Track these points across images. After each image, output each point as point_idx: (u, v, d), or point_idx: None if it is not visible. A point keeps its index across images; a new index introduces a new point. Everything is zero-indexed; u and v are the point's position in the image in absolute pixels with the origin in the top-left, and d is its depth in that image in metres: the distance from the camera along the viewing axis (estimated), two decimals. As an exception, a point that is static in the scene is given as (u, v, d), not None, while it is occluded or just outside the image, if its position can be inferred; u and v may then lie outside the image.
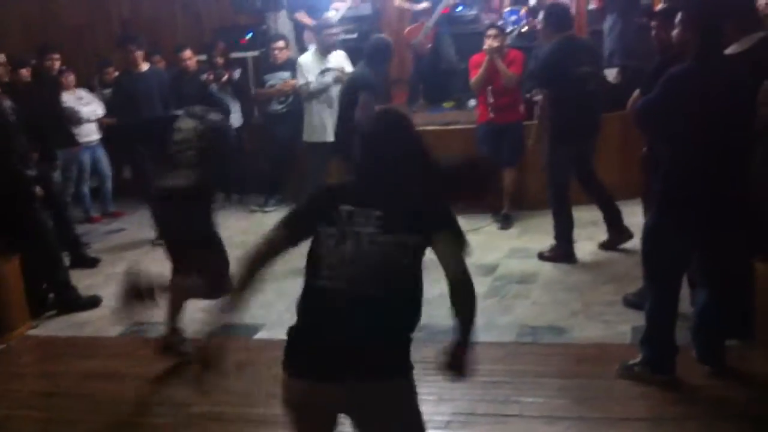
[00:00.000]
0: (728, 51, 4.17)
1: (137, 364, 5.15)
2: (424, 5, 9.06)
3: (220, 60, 8.72)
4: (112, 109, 8.42)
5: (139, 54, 7.69)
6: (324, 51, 7.59)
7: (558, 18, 6.15)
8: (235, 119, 8.67)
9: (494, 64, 7.09)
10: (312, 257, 2.58)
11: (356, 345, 2.44)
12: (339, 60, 7.57)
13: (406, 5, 9.28)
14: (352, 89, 6.45)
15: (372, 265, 2.48)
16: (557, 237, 6.21)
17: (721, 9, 4.14)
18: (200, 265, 4.71)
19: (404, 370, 2.56)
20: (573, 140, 6.05)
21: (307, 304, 2.55)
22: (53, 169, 7.12)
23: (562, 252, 6.15)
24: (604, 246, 6.36)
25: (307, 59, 7.72)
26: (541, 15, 6.95)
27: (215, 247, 4.86)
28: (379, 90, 6.60)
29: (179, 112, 5.00)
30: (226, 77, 8.48)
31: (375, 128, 2.74)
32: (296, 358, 2.53)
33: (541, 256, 6.25)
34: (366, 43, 7.28)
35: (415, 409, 2.62)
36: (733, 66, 4.03)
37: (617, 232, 6.24)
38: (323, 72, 7.58)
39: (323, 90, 7.55)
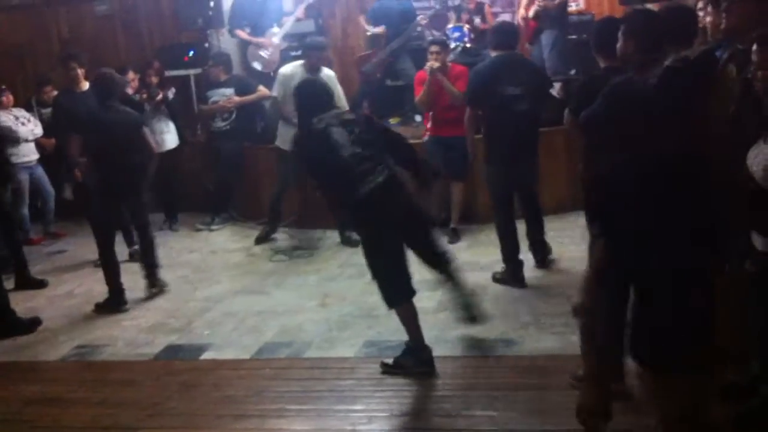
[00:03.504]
0: (668, 63, 4.22)
1: (79, 388, 5.03)
2: (380, 29, 9.04)
3: (153, 79, 8.59)
4: (52, 128, 8.24)
5: (81, 72, 7.55)
6: (311, 70, 7.43)
7: (498, 35, 6.14)
8: (171, 140, 8.56)
9: (438, 82, 7.10)
10: None
11: None
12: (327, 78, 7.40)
13: (365, 25, 9.26)
14: None
15: None
16: (504, 259, 6.13)
17: (660, 23, 4.21)
18: None
19: None
20: (501, 160, 5.98)
21: None
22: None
23: (509, 275, 6.08)
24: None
25: (288, 71, 7.57)
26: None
27: None
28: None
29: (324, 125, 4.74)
30: (160, 96, 8.35)
31: None
32: None
33: (494, 278, 6.19)
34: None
35: None
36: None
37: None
38: None
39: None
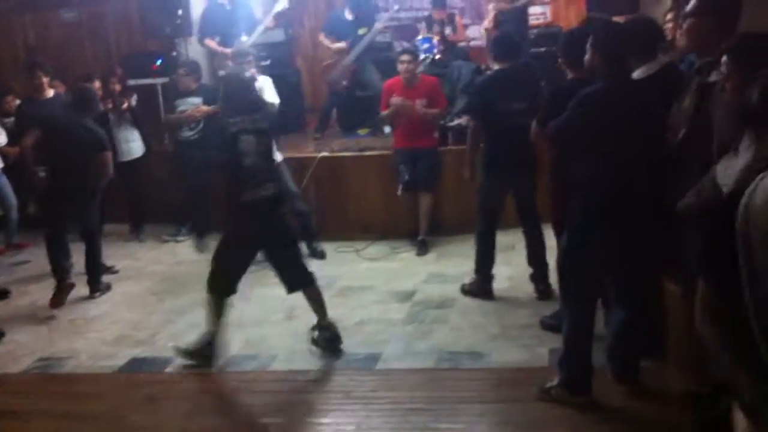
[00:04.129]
0: (634, 75, 4.26)
1: (41, 401, 4.95)
2: (340, 45, 9.02)
3: (117, 87, 8.49)
4: (15, 137, 8.11)
5: (46, 80, 7.46)
6: None
7: (500, 46, 6.03)
8: (136, 148, 8.47)
9: (415, 113, 7.16)
10: None
11: None
12: (261, 86, 7.43)
13: (326, 42, 9.23)
14: None
15: None
16: (476, 270, 6.12)
17: (625, 36, 4.25)
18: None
19: None
20: (500, 173, 5.91)
21: None
22: None
23: (478, 287, 6.07)
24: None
25: None
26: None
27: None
28: None
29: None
30: (125, 105, 8.27)
31: None
32: None
33: (463, 289, 6.17)
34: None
35: None
36: (639, 89, 4.12)
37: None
38: None
39: None
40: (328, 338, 5.18)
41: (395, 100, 7.27)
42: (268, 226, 5.10)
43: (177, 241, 8.33)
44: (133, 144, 8.43)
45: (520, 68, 6.16)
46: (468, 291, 6.11)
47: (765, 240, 1.40)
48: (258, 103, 5.43)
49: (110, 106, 8.25)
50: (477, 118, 6.05)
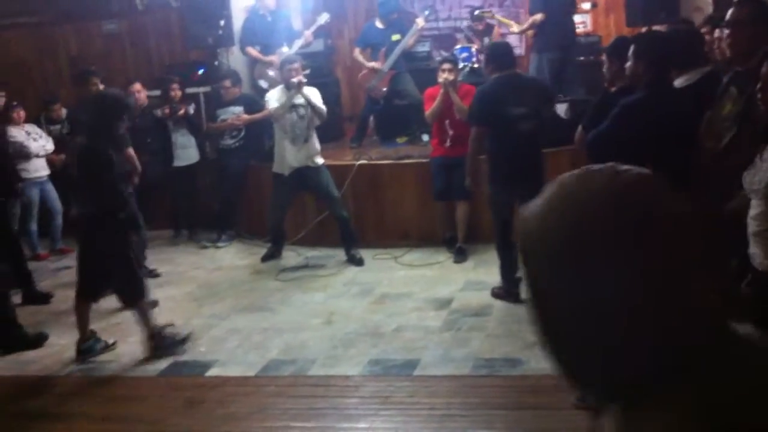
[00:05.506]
0: (675, 84, 4.26)
1: (86, 403, 5.04)
2: (374, 64, 9.03)
3: (177, 93, 8.64)
4: (65, 144, 8.28)
5: (102, 87, 7.57)
6: (288, 86, 7.45)
7: (495, 58, 6.11)
8: (192, 155, 8.64)
9: (449, 96, 7.13)
10: None
11: None
12: (308, 94, 7.49)
13: (361, 58, 9.24)
14: None
15: None
16: (502, 275, 6.16)
17: (668, 44, 4.26)
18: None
19: None
20: (506, 182, 5.94)
21: None
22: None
23: (505, 291, 6.11)
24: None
25: (274, 95, 7.57)
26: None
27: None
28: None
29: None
30: (182, 111, 8.42)
31: None
32: None
33: (493, 293, 6.23)
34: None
35: None
36: (680, 97, 4.12)
37: None
38: (292, 107, 7.46)
39: (285, 107, 7.38)
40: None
41: (443, 78, 7.19)
42: (90, 242, 5.48)
43: (217, 248, 8.44)
44: (190, 150, 8.66)
45: (519, 76, 6.22)
46: (497, 294, 6.17)
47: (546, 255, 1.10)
48: (93, 121, 5.59)
49: (167, 111, 8.41)
50: (480, 125, 6.07)
